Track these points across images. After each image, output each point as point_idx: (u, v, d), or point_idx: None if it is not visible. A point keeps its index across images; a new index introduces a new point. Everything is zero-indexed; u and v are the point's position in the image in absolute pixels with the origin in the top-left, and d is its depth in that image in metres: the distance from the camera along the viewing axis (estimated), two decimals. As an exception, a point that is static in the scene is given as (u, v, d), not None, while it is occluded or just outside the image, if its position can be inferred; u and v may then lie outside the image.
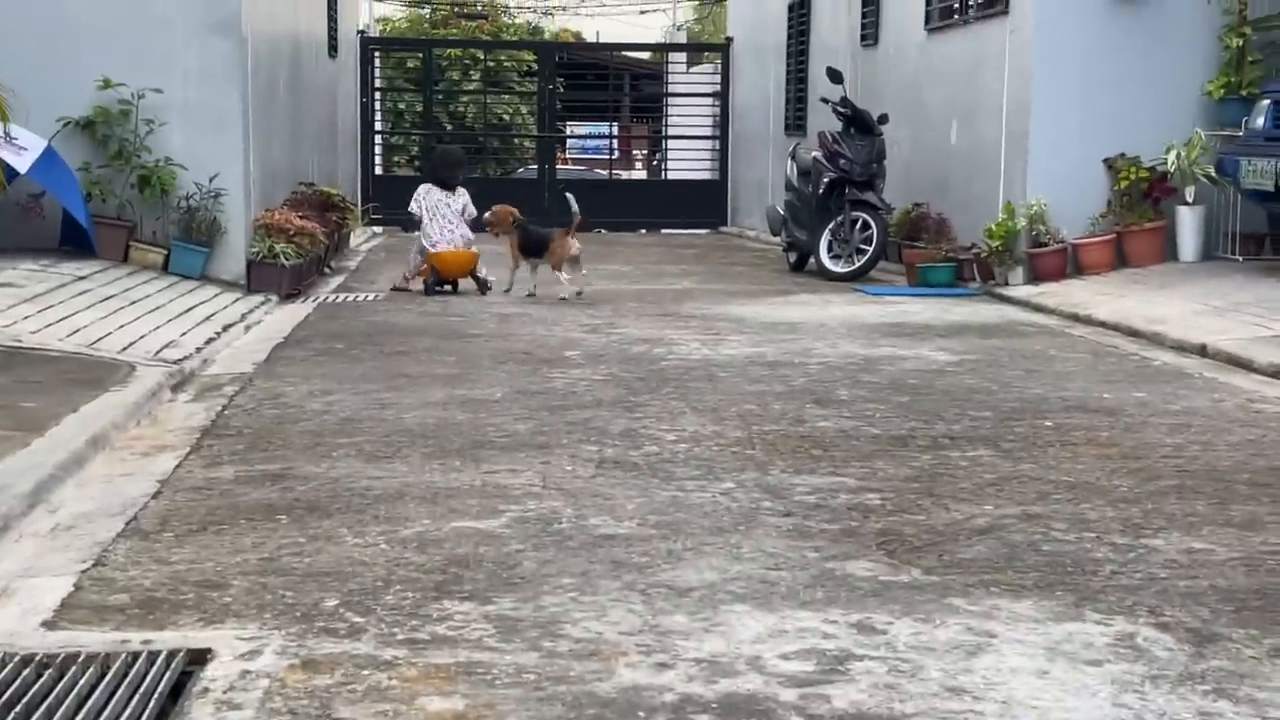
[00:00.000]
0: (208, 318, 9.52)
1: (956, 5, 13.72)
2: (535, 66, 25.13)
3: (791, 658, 3.48)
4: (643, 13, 39.44)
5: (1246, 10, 11.65)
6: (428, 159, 14.42)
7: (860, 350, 8.71)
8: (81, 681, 3.31)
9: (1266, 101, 10.79)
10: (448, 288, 11.88)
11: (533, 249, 11.65)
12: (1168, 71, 11.88)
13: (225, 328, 9.25)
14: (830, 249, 13.34)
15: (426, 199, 11.98)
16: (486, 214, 11.79)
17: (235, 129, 11.25)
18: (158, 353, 7.95)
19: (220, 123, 11.17)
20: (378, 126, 22.38)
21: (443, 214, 11.90)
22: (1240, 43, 11.65)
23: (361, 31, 22.04)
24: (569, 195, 12.00)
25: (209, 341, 8.65)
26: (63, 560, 4.27)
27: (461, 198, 12.06)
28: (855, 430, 6.26)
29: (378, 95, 22.52)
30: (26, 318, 8.31)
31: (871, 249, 13.07)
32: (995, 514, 4.83)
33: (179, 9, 11.05)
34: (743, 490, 5.16)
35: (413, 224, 12.64)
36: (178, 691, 3.28)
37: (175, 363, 7.71)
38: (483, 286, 11.83)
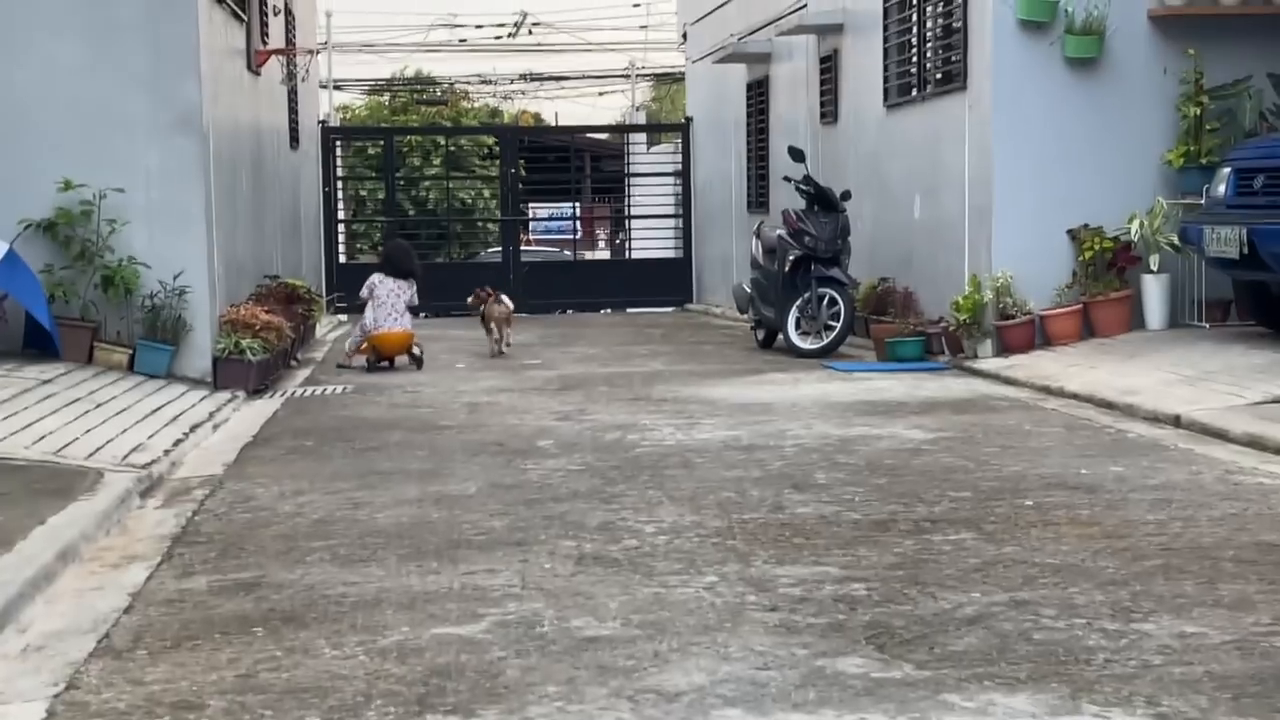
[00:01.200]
0: (175, 418, 9.41)
1: (914, 82, 13.82)
2: (496, 149, 25.23)
3: (787, 765, 3.40)
4: (601, 94, 39.73)
5: (1203, 79, 11.76)
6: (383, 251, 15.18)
7: (835, 430, 8.66)
8: (56, 818, 3.21)
9: (1227, 170, 10.86)
10: (385, 364, 13.09)
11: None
12: (1127, 141, 11.99)
13: (193, 428, 9.14)
14: (798, 325, 13.37)
15: (381, 286, 13.16)
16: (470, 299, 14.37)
17: (198, 226, 11.18)
18: (125, 457, 7.84)
19: (183, 220, 11.10)
20: (340, 215, 22.40)
21: (391, 302, 13.09)
22: (1197, 111, 11.75)
23: (322, 121, 22.09)
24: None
25: (177, 443, 8.54)
26: (34, 684, 4.16)
27: (411, 288, 13.30)
28: (835, 515, 6.20)
29: (340, 184, 22.54)
30: (-9, 425, 8.19)
31: (839, 325, 13.09)
32: (983, 602, 4.77)
33: (140, 108, 11.00)
34: (726, 584, 5.08)
35: None
36: (157, 825, 3.18)
37: (143, 467, 7.60)
38: (418, 362, 13.09)
